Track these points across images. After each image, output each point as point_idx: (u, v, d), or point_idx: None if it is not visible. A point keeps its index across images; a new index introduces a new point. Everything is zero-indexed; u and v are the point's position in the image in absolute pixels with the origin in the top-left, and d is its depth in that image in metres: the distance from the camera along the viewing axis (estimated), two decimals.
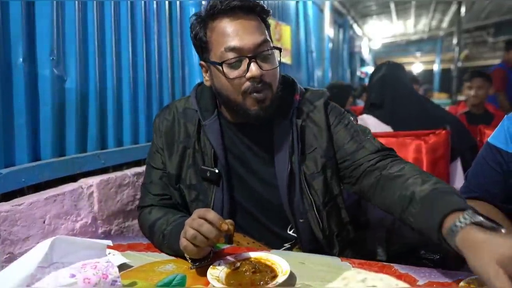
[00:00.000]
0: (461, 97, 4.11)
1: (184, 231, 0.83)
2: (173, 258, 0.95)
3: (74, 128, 1.23)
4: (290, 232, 1.03)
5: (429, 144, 1.41)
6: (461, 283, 0.68)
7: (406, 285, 0.53)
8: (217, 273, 0.81)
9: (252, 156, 1.01)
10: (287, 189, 0.97)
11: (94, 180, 1.22)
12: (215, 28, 0.91)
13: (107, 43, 1.37)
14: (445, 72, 11.93)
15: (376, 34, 10.65)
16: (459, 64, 6.34)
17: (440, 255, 1.15)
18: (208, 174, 0.99)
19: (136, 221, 1.40)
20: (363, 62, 10.65)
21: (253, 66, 0.88)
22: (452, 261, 1.29)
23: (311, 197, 0.98)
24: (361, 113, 2.05)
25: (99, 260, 0.73)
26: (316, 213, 0.98)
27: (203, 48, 0.95)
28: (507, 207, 0.96)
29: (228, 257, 0.87)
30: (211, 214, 0.80)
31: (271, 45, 0.93)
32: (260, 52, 0.90)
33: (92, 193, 1.20)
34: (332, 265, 0.86)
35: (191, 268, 0.88)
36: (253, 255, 0.88)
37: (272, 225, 1.03)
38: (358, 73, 9.52)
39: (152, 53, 1.59)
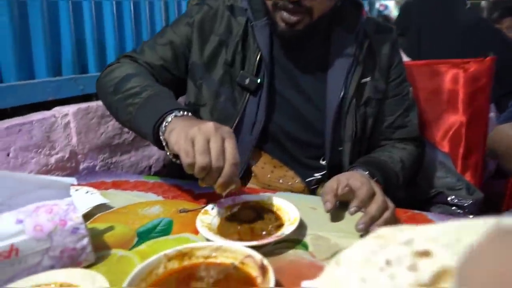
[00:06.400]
0: None
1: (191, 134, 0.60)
2: (161, 199, 0.81)
3: (42, 46, 1.02)
4: (323, 162, 0.91)
5: (468, 73, 1.16)
6: None
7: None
8: (209, 219, 0.66)
9: (301, 72, 0.89)
10: (336, 114, 0.86)
11: (70, 108, 1.04)
12: None
13: None
14: None
15: None
16: None
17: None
18: (246, 82, 0.85)
19: (126, 156, 1.24)
20: None
21: None
22: None
23: (355, 127, 0.88)
24: None
25: (58, 202, 0.57)
26: (351, 145, 0.88)
27: None
28: None
29: (224, 200, 0.71)
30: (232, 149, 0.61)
31: None
32: None
33: (68, 123, 1.02)
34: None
35: (180, 212, 0.74)
36: (254, 198, 0.73)
37: (306, 152, 0.90)
38: (376, 6, 8.84)
39: None
